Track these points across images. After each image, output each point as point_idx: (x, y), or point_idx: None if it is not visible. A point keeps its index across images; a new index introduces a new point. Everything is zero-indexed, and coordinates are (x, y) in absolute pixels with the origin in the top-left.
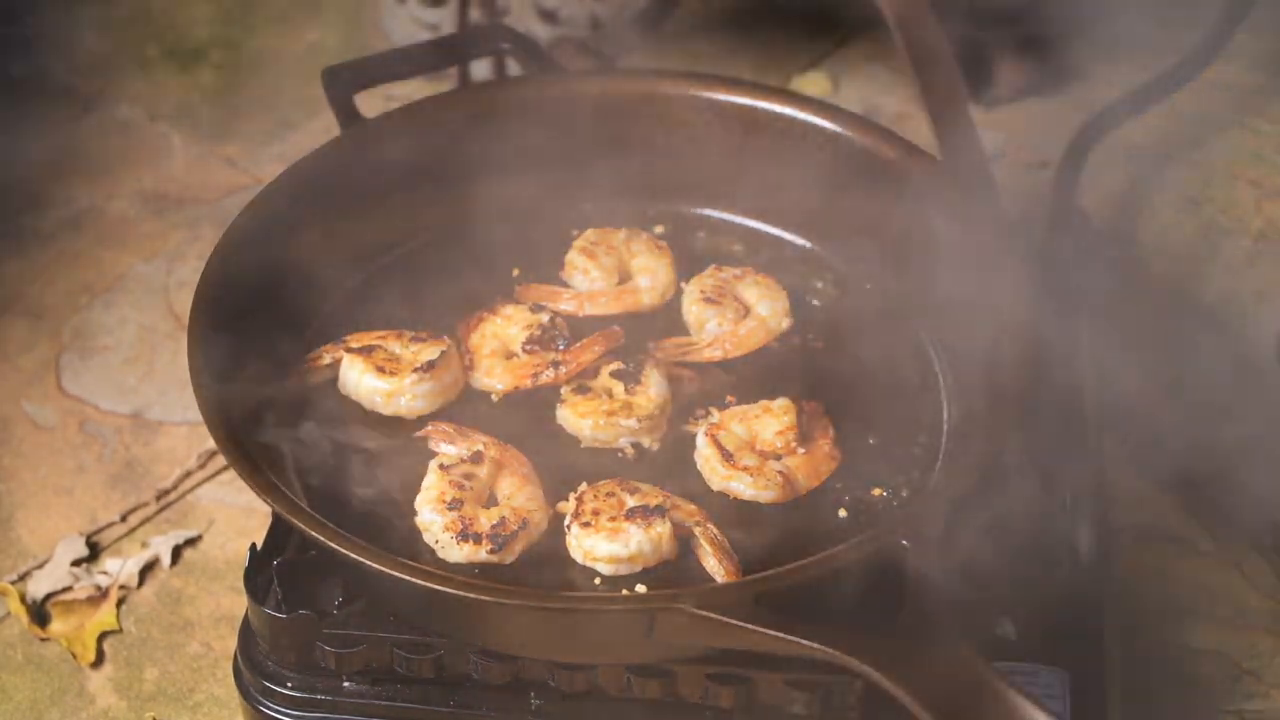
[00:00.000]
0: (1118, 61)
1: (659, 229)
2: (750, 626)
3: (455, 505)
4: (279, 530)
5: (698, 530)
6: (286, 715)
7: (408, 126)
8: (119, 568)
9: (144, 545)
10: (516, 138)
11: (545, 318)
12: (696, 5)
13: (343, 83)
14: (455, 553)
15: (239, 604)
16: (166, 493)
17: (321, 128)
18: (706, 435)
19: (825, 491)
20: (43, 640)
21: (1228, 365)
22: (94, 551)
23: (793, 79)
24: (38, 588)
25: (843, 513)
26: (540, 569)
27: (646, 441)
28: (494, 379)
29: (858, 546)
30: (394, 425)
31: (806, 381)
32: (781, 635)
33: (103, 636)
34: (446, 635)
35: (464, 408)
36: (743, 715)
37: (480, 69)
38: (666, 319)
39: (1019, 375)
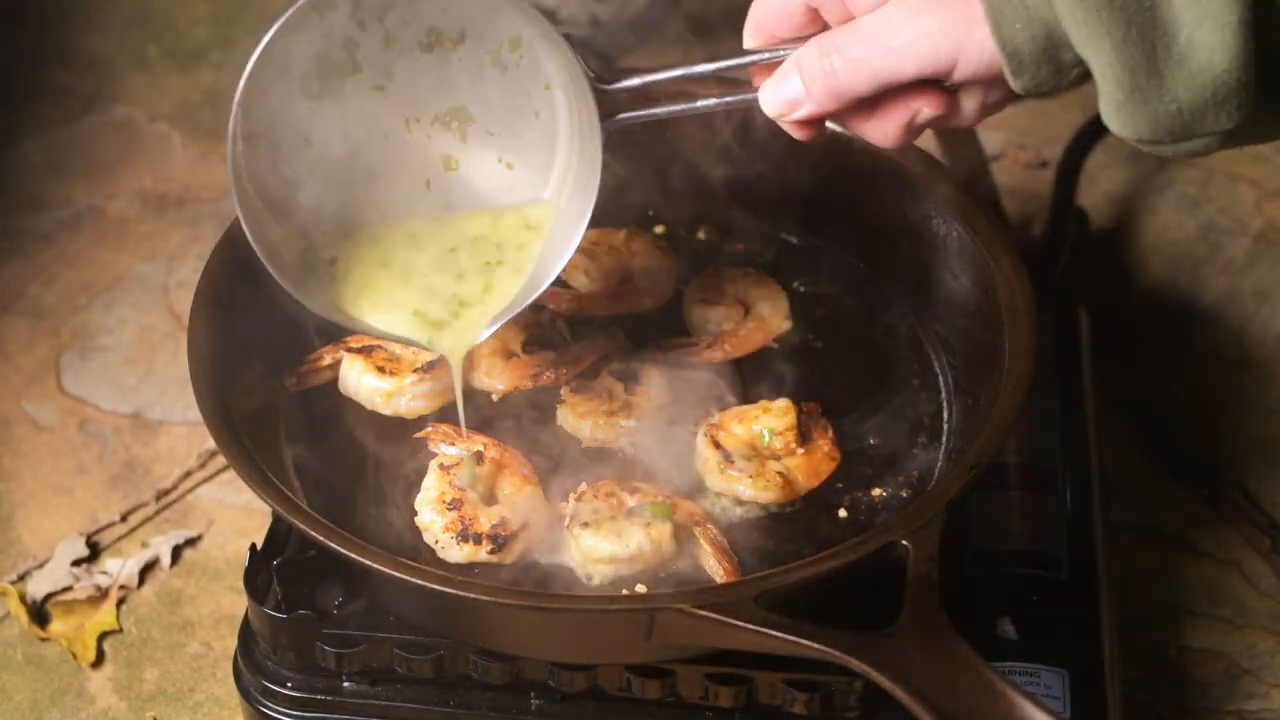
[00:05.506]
0: None
1: (659, 229)
2: (750, 626)
3: (455, 505)
4: (279, 530)
5: (698, 530)
6: (286, 715)
7: None
8: (119, 568)
9: (144, 545)
10: None
11: (545, 318)
12: (696, 6)
13: None
14: (455, 553)
15: (239, 604)
16: (166, 493)
17: None
18: (706, 435)
19: (825, 491)
20: (43, 640)
21: (1228, 365)
22: (94, 551)
23: None
24: (38, 588)
25: (843, 513)
26: (540, 569)
27: (647, 442)
28: (494, 379)
29: (858, 546)
30: (394, 425)
31: (806, 381)
32: (781, 635)
33: (103, 636)
34: (446, 635)
35: (464, 408)
36: (743, 715)
37: None
38: (666, 319)
39: (1019, 374)
